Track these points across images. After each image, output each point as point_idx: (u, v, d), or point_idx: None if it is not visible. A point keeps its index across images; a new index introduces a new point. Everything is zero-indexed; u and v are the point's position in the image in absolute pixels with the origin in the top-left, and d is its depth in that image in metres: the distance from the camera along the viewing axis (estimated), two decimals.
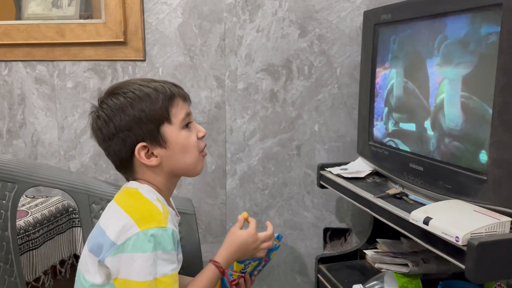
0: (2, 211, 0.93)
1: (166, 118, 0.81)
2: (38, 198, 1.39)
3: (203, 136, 0.87)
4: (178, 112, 0.82)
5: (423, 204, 0.95)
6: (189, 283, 0.84)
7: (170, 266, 0.76)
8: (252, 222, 0.93)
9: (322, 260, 1.35)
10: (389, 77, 1.13)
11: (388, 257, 1.17)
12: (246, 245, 0.89)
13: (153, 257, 0.73)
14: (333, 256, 1.38)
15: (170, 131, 0.81)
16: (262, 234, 0.92)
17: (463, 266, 0.75)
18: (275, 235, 1.01)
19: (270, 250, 0.96)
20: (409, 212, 0.87)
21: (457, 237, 0.75)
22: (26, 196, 1.40)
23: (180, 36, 1.42)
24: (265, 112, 1.43)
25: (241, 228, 0.91)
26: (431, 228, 0.80)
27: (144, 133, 0.79)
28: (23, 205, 1.30)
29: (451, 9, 0.89)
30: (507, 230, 0.77)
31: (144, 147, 0.80)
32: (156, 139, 0.80)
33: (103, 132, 0.81)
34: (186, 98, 0.86)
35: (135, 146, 0.79)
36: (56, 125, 1.50)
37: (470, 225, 0.76)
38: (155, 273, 0.73)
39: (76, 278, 0.84)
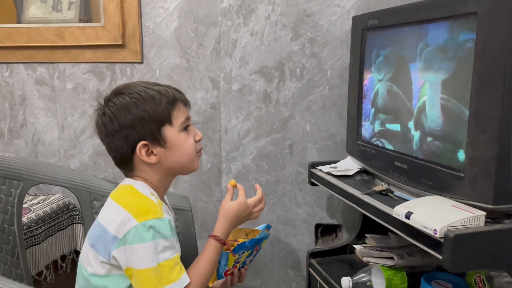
0: (8, 207, 0.98)
1: (167, 119, 0.86)
2: (39, 195, 1.44)
3: (200, 140, 0.93)
4: (179, 115, 0.88)
5: (407, 200, 1.00)
6: (195, 261, 0.89)
7: (170, 251, 0.81)
8: (241, 190, 0.97)
9: (313, 254, 1.41)
10: (376, 79, 1.18)
11: (375, 251, 1.23)
12: (239, 214, 0.94)
13: (154, 245, 0.79)
14: (324, 251, 1.43)
15: (170, 132, 0.87)
16: (252, 200, 0.97)
17: (440, 257, 0.81)
18: (265, 225, 1.06)
19: (260, 240, 1.01)
20: (393, 207, 0.92)
21: (435, 230, 0.80)
22: (28, 194, 1.44)
23: (176, 39, 1.47)
24: (259, 113, 1.49)
25: (231, 198, 0.96)
26: (412, 222, 0.86)
27: (146, 132, 0.85)
28: (25, 202, 1.35)
29: (432, 17, 0.95)
30: (482, 223, 0.82)
31: (145, 145, 0.85)
32: (156, 138, 0.86)
33: (107, 128, 0.86)
34: (186, 103, 0.92)
35: (136, 143, 0.85)
36: (56, 125, 1.55)
37: (447, 218, 0.82)
38: (157, 259, 0.79)
39: (77, 271, 0.89)
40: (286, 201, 1.53)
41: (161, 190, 0.91)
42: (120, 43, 1.46)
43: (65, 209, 1.40)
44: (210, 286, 1.02)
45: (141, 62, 1.49)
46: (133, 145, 0.85)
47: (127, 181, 0.90)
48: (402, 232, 0.92)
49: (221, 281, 1.01)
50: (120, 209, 0.82)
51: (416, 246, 0.89)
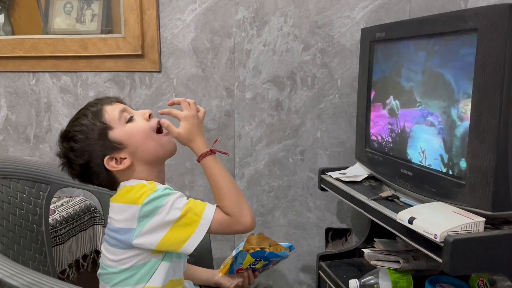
0: (37, 208, 1.06)
1: (106, 127, 0.88)
2: (63, 198, 1.52)
3: (150, 115, 0.92)
4: (111, 116, 0.89)
5: (412, 206, 1.05)
6: (211, 187, 0.89)
7: (182, 198, 0.85)
8: (172, 113, 0.91)
9: (323, 257, 1.45)
10: (383, 90, 1.23)
11: (382, 254, 1.27)
12: (194, 126, 0.90)
13: (166, 207, 0.82)
14: (333, 254, 1.47)
15: (116, 133, 0.88)
16: (184, 110, 0.90)
17: (440, 260, 0.85)
18: (289, 244, 1.09)
19: (281, 257, 1.06)
20: (398, 213, 0.97)
21: (435, 234, 0.85)
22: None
23: (193, 49, 1.54)
24: (271, 120, 1.55)
25: (173, 128, 0.91)
26: (414, 227, 0.91)
27: (101, 150, 0.88)
28: (50, 204, 1.43)
29: (435, 31, 1.00)
30: (481, 229, 0.87)
31: (110, 158, 0.88)
32: (112, 147, 0.88)
33: (77, 175, 0.91)
34: (112, 101, 0.92)
35: (103, 163, 0.88)
36: None
37: (447, 224, 0.86)
38: (178, 210, 0.82)
39: (99, 272, 0.93)
40: (297, 205, 1.59)
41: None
42: (139, 53, 1.54)
43: (86, 211, 1.48)
44: (220, 275, 1.07)
45: (159, 71, 1.57)
46: (103, 167, 0.89)
47: (121, 185, 0.93)
48: (406, 236, 0.96)
49: (234, 280, 1.06)
50: (121, 206, 0.87)
51: (421, 250, 0.93)
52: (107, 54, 1.56)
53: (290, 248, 1.09)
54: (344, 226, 1.59)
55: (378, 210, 1.07)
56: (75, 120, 0.90)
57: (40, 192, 1.07)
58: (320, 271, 1.44)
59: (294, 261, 1.62)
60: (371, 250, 1.34)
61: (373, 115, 1.28)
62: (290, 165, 1.57)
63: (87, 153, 0.88)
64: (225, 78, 1.54)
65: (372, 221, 1.42)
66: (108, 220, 0.91)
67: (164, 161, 0.96)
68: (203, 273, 1.13)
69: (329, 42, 1.48)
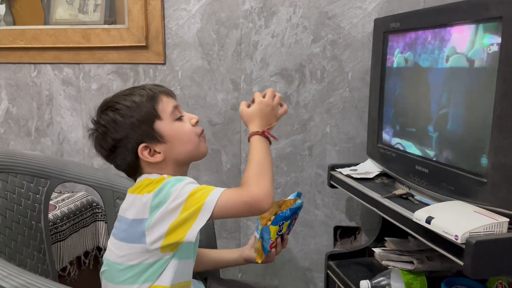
0: (36, 204, 1.02)
1: (155, 115, 0.86)
2: (64, 193, 1.48)
3: (197, 122, 0.93)
4: (164, 107, 0.88)
5: (428, 205, 1.00)
6: (248, 164, 0.86)
7: (195, 184, 0.82)
8: (255, 94, 0.96)
9: (331, 256, 1.41)
10: (397, 83, 1.18)
11: (394, 254, 1.22)
12: (263, 112, 0.92)
13: (174, 193, 0.79)
14: (342, 253, 1.43)
15: (163, 126, 0.87)
16: (267, 96, 0.94)
17: (461, 263, 0.80)
18: (295, 194, 1.05)
19: (297, 209, 1.02)
20: (414, 211, 0.92)
21: (456, 235, 0.80)
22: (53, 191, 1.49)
23: (198, 41, 1.49)
24: None
25: (247, 106, 0.95)
26: (432, 227, 0.86)
27: (141, 135, 0.85)
28: (51, 199, 1.38)
29: (455, 20, 0.94)
30: (505, 230, 0.81)
31: (146, 147, 0.86)
32: (153, 137, 0.86)
33: (105, 148, 0.88)
34: (169, 93, 0.91)
35: (137, 149, 0.85)
36: (81, 124, 1.59)
37: (469, 224, 0.81)
38: (186, 193, 0.79)
39: (103, 269, 0.90)
40: (304, 202, 1.53)
41: None
42: (143, 44, 1.49)
43: (88, 206, 1.44)
44: (259, 262, 1.03)
45: (164, 63, 1.52)
46: (134, 152, 0.86)
47: (143, 176, 0.90)
48: (422, 236, 0.92)
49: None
50: (136, 196, 0.84)
51: (436, 251, 0.88)
52: (110, 45, 1.52)
53: (298, 195, 1.05)
54: (353, 224, 1.54)
55: (393, 209, 1.02)
56: (128, 95, 0.88)
57: (39, 187, 1.03)
58: (329, 271, 1.40)
59: (301, 260, 1.57)
60: (382, 249, 1.29)
61: (386, 110, 1.23)
62: (298, 161, 1.52)
63: (126, 131, 0.85)
64: (231, 70, 1.49)
65: (383, 219, 1.39)
66: (120, 212, 0.88)
67: (191, 163, 0.95)
68: (230, 254, 1.11)
69: (340, 33, 1.43)
